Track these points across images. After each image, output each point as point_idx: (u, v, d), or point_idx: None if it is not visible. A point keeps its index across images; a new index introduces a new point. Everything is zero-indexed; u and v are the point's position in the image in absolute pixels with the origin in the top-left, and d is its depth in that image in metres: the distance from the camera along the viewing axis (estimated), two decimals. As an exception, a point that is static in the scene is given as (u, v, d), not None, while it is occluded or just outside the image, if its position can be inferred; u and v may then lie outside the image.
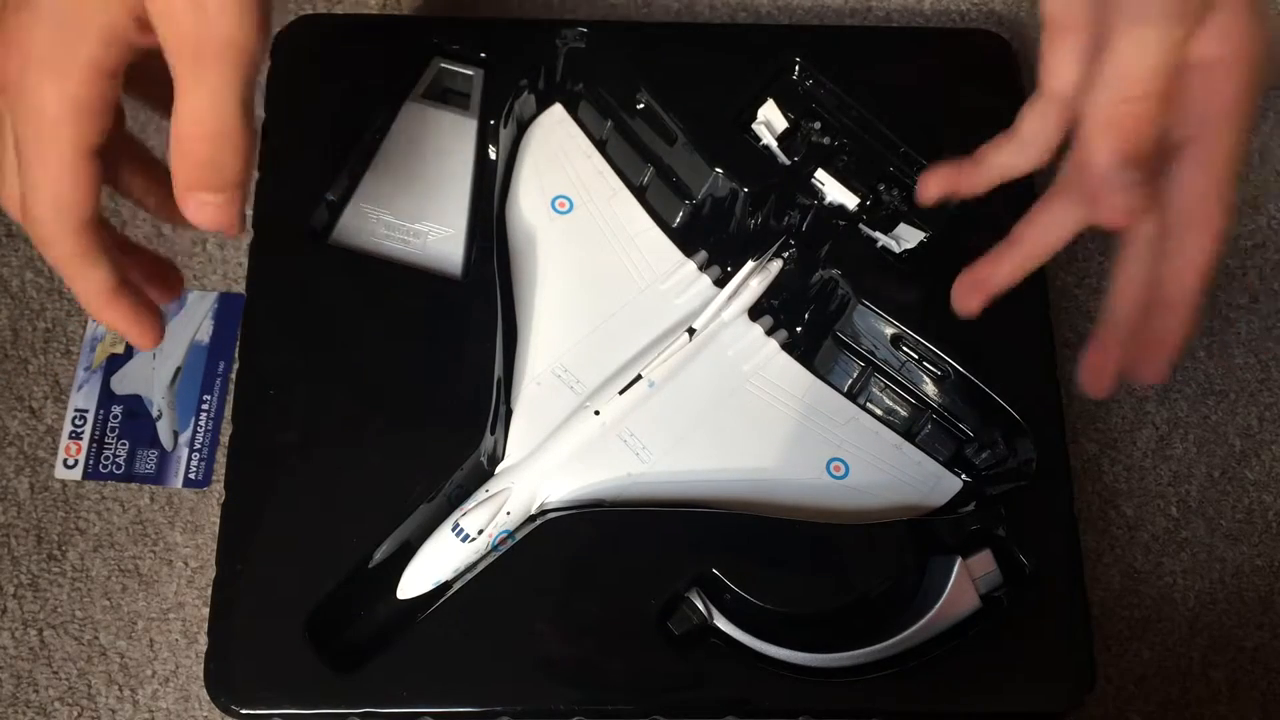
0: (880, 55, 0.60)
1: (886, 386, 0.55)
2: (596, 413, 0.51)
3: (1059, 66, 0.41)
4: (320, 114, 0.56)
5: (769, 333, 0.55)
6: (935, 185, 0.47)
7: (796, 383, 0.54)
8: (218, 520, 0.50)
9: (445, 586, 0.49)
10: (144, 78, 0.36)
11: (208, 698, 0.47)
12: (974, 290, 0.47)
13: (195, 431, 0.57)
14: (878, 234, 0.55)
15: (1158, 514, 0.59)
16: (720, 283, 0.56)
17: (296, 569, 0.48)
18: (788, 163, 0.56)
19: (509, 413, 0.52)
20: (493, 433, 0.51)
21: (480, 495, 0.49)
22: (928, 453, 0.54)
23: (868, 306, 0.54)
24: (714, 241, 0.57)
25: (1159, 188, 0.39)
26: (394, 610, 0.48)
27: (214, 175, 0.35)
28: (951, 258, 0.55)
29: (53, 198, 0.35)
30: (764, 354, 0.55)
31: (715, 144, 0.56)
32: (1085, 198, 0.39)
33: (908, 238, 0.55)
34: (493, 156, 0.56)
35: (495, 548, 0.49)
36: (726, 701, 0.48)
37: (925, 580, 0.50)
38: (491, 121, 0.55)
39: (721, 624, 0.48)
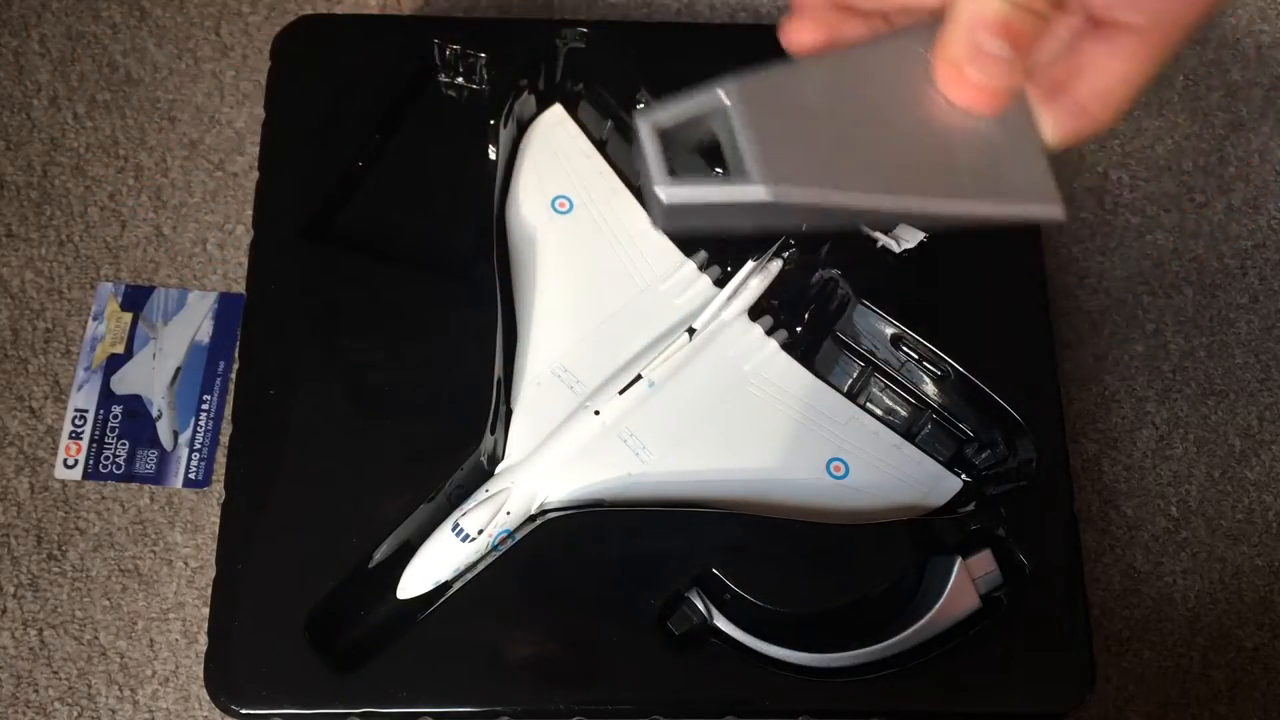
0: (880, 55, 0.60)
1: (886, 386, 0.55)
2: (596, 413, 0.51)
3: None
4: (321, 114, 0.56)
5: (769, 333, 0.55)
6: (808, 32, 0.34)
7: (796, 383, 0.54)
8: (218, 520, 0.50)
9: (445, 586, 0.49)
10: None
11: (208, 698, 0.47)
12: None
13: (195, 431, 0.57)
14: (878, 234, 0.55)
15: (1158, 514, 0.58)
16: (720, 283, 0.56)
17: (296, 569, 0.48)
18: (788, 163, 0.56)
19: (509, 413, 0.52)
20: (493, 433, 0.51)
21: (480, 495, 0.49)
22: (928, 453, 0.54)
23: (868, 306, 0.54)
24: (714, 241, 0.57)
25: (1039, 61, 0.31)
26: (394, 610, 0.48)
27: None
28: (951, 258, 0.55)
29: None
30: (764, 354, 0.55)
31: (715, 144, 0.56)
32: (941, 61, 0.30)
33: (908, 238, 0.55)
34: (492, 156, 0.56)
35: (495, 548, 0.49)
36: (726, 701, 0.48)
37: (925, 580, 0.50)
38: (491, 122, 0.55)
39: (721, 624, 0.48)
